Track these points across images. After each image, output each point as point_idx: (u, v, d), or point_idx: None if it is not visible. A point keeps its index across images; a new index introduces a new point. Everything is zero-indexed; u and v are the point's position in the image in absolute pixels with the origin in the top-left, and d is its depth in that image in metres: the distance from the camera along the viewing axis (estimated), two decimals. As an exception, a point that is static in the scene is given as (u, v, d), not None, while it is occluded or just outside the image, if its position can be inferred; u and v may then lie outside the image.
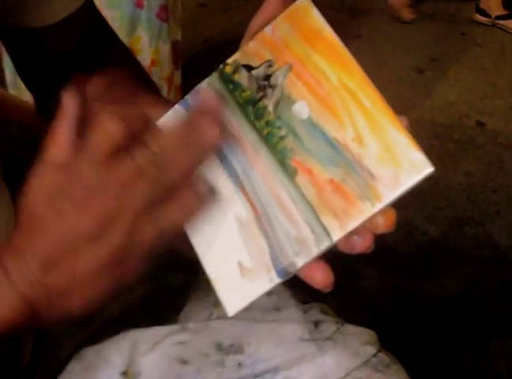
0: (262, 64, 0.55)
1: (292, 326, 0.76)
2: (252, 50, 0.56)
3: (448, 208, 2.05)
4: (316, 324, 0.77)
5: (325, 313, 0.79)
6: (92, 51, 0.79)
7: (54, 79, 0.79)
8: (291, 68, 0.54)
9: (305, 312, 0.78)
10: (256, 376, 0.74)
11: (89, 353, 0.79)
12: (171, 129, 0.53)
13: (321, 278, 0.51)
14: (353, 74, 0.51)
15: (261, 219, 0.53)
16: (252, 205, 0.53)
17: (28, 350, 0.80)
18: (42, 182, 0.53)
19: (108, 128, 0.52)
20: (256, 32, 0.56)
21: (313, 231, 0.50)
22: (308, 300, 0.81)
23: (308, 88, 0.53)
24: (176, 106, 0.58)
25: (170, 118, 0.58)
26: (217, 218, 0.55)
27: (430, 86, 2.54)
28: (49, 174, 0.53)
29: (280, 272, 0.51)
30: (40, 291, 0.52)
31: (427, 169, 0.47)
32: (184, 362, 0.76)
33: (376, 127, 0.50)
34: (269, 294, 0.78)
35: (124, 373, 0.77)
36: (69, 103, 0.56)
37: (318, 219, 0.50)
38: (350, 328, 0.77)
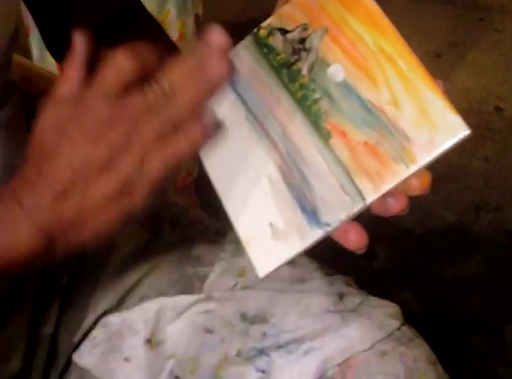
0: (297, 27, 0.55)
1: (317, 297, 0.76)
2: (287, 14, 0.56)
3: (465, 192, 2.04)
4: (341, 296, 0.77)
5: (349, 285, 0.79)
6: (120, 23, 0.79)
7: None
8: (326, 31, 0.54)
9: (330, 284, 0.78)
10: (280, 346, 0.74)
11: (114, 320, 0.80)
12: (181, 65, 0.54)
13: (355, 239, 0.51)
14: (390, 38, 0.51)
15: (294, 181, 0.53)
16: (285, 167, 0.53)
17: (52, 318, 0.80)
18: (52, 116, 0.55)
19: (120, 62, 0.54)
20: None
21: (346, 193, 0.50)
22: (333, 272, 0.81)
23: (343, 51, 0.53)
24: None
25: None
26: (249, 180, 0.55)
27: (448, 71, 2.52)
28: (59, 108, 0.55)
29: (313, 233, 0.51)
30: (54, 221, 0.53)
31: (463, 131, 0.47)
32: (208, 330, 0.77)
33: (412, 90, 0.49)
34: (295, 265, 0.79)
35: (148, 341, 0.77)
36: (79, 41, 0.58)
37: (351, 181, 0.50)
38: (374, 300, 0.77)
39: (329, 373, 0.71)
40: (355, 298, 0.77)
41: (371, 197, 0.49)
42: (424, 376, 0.71)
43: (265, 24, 0.57)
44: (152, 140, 0.52)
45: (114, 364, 0.78)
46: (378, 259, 1.78)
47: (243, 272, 0.80)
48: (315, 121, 0.53)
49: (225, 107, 0.57)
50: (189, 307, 0.78)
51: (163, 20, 1.88)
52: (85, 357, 0.79)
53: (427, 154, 0.48)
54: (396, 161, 0.49)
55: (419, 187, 0.50)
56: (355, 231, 0.51)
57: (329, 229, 0.51)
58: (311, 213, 0.51)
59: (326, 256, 0.77)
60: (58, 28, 0.81)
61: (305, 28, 0.55)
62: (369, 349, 0.71)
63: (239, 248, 0.80)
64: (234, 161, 0.56)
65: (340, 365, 0.71)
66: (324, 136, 0.52)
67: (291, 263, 0.54)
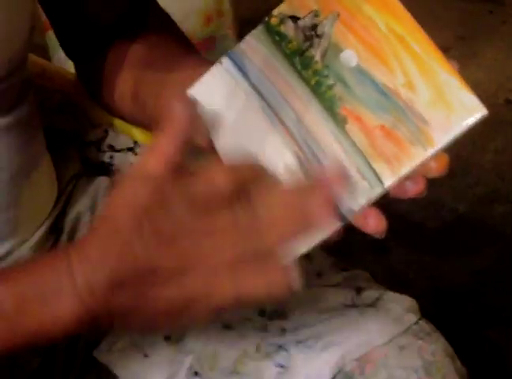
0: (308, 14, 0.55)
1: (335, 292, 0.77)
2: (297, 1, 0.56)
3: (477, 185, 2.04)
4: (358, 290, 0.77)
5: (366, 280, 0.79)
6: (133, 20, 0.80)
7: (95, 47, 0.80)
8: (338, 16, 0.54)
9: (347, 278, 0.79)
10: (299, 341, 0.74)
11: None
12: (282, 194, 0.51)
13: (374, 223, 0.50)
14: (402, 20, 0.51)
15: (311, 168, 0.52)
16: (301, 155, 0.53)
17: None
18: (132, 195, 0.50)
19: (218, 181, 0.49)
20: None
21: (365, 178, 0.50)
22: (348, 268, 0.81)
23: (356, 35, 0.53)
24: (217, 65, 0.58)
25: (214, 74, 0.58)
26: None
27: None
28: (141, 188, 0.50)
29: (333, 220, 0.51)
30: (103, 305, 0.50)
31: (480, 111, 0.47)
32: (227, 326, 0.77)
33: (426, 71, 0.49)
34: (311, 259, 0.79)
35: (168, 337, 0.78)
36: (181, 117, 0.52)
37: (369, 165, 0.50)
38: (392, 295, 0.77)
39: (348, 368, 0.72)
40: (372, 292, 0.77)
41: (390, 181, 0.49)
42: (442, 369, 0.71)
43: (275, 12, 0.57)
44: (228, 261, 0.49)
45: (133, 360, 0.78)
46: (390, 252, 1.78)
47: None
48: (330, 107, 0.53)
49: (240, 98, 0.57)
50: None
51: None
52: (105, 353, 0.80)
53: (444, 135, 0.48)
54: (413, 144, 0.49)
55: (436, 169, 0.50)
56: (374, 216, 0.50)
57: (349, 215, 0.50)
58: None
59: (338, 250, 0.77)
60: (72, 26, 0.82)
61: (316, 14, 0.55)
62: (387, 343, 0.72)
63: None
64: (250, 151, 0.56)
65: (358, 359, 0.72)
66: (340, 121, 0.52)
67: (308, 255, 0.53)
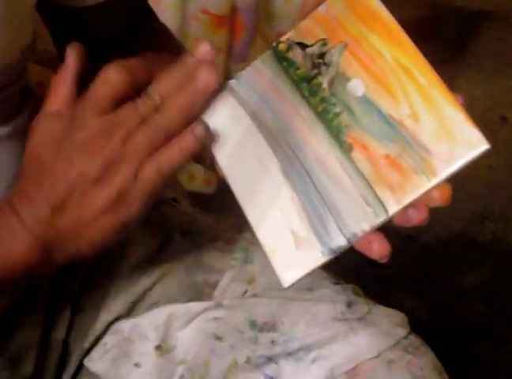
0: (317, 42, 0.57)
1: (325, 306, 0.77)
2: (306, 29, 0.57)
3: (469, 201, 2.04)
4: (349, 304, 0.78)
5: (357, 294, 0.80)
6: (132, 34, 0.81)
7: (94, 60, 0.80)
8: (346, 46, 0.55)
9: (338, 292, 0.79)
10: (289, 354, 0.74)
11: (124, 326, 0.81)
12: (170, 76, 0.57)
13: (378, 248, 0.52)
14: (408, 52, 0.52)
15: (315, 192, 0.54)
16: (306, 179, 0.54)
17: (64, 323, 0.81)
18: (46, 130, 0.57)
19: (110, 77, 0.56)
20: (309, 12, 0.57)
21: (369, 205, 0.51)
22: (340, 282, 0.81)
23: (363, 66, 0.54)
24: (230, 82, 0.60)
25: (221, 96, 0.59)
26: (271, 190, 0.56)
27: (452, 80, 2.52)
28: (52, 122, 0.58)
29: (337, 243, 0.52)
30: (51, 232, 0.56)
31: (483, 145, 0.49)
32: (218, 337, 0.77)
33: (431, 104, 0.51)
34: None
35: (159, 347, 0.78)
36: (71, 56, 0.61)
37: (374, 193, 0.51)
38: (381, 309, 0.78)
39: (337, 381, 0.72)
40: (362, 306, 0.78)
41: (393, 208, 0.51)
42: None
43: (284, 38, 0.58)
44: (144, 150, 0.55)
45: (124, 370, 0.79)
46: (382, 267, 1.78)
47: (253, 280, 0.81)
48: (337, 135, 0.54)
49: (244, 122, 0.58)
50: (199, 314, 0.79)
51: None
52: (96, 362, 0.80)
53: (447, 166, 0.49)
54: (417, 173, 0.50)
55: (439, 199, 0.51)
56: (378, 241, 0.52)
57: (352, 240, 0.52)
58: (334, 224, 0.53)
59: (331, 264, 0.78)
60: (72, 39, 0.82)
61: (324, 43, 0.56)
62: (376, 357, 0.72)
63: (249, 256, 0.82)
64: (255, 172, 0.57)
65: (347, 373, 0.72)
66: (345, 149, 0.53)
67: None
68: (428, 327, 0.76)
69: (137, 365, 0.79)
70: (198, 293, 0.82)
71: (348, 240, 0.52)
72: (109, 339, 0.81)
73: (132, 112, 0.56)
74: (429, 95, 0.51)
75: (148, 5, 0.84)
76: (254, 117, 0.58)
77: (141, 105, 0.56)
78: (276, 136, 0.56)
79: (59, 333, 0.81)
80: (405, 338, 0.75)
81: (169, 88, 0.57)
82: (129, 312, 0.82)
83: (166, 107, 0.56)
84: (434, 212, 1.54)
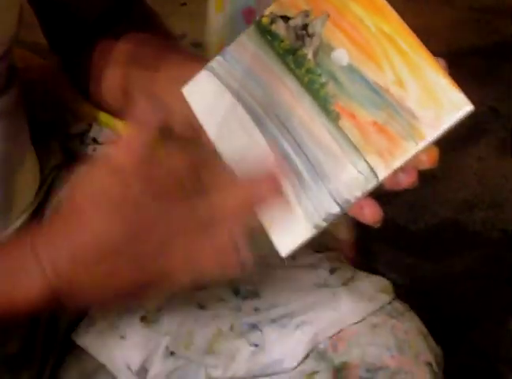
0: (299, 14, 0.57)
1: (308, 272, 0.78)
2: (287, 2, 0.58)
3: (459, 191, 2.05)
4: (332, 270, 0.78)
5: (340, 260, 0.80)
6: (118, 15, 0.81)
7: (81, 41, 0.81)
8: (328, 16, 0.56)
9: (320, 259, 0.80)
10: (272, 321, 0.75)
11: None
12: (235, 183, 0.55)
13: (370, 213, 0.53)
14: (390, 20, 0.53)
15: (306, 163, 0.54)
16: (297, 150, 0.55)
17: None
18: (97, 182, 0.54)
19: (176, 166, 0.54)
20: None
21: (360, 171, 0.52)
22: (323, 250, 0.82)
23: (346, 35, 0.55)
24: (209, 66, 0.60)
25: (205, 75, 0.60)
26: (262, 163, 0.57)
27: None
28: (107, 176, 0.53)
29: (331, 210, 0.53)
30: (65, 282, 0.54)
31: (467, 107, 0.49)
32: (202, 306, 0.78)
33: (415, 70, 0.51)
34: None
35: (144, 318, 0.78)
36: (151, 114, 0.55)
37: (363, 159, 0.52)
38: (365, 275, 0.79)
39: (321, 346, 0.73)
40: (345, 272, 0.78)
41: (383, 173, 0.51)
42: (415, 347, 0.72)
43: (266, 12, 0.59)
44: (185, 249, 0.53)
45: (110, 342, 0.79)
46: (373, 255, 1.79)
47: None
48: (324, 105, 0.54)
49: (228, 99, 0.59)
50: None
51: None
52: (83, 336, 0.80)
53: (434, 130, 0.50)
54: (405, 138, 0.51)
55: (428, 161, 0.52)
56: (369, 206, 0.53)
57: (345, 206, 0.52)
58: (327, 192, 0.53)
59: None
60: (56, 19, 0.84)
61: (306, 14, 0.57)
62: (359, 321, 0.73)
63: None
64: (243, 147, 0.58)
65: (331, 337, 0.73)
66: (333, 118, 0.54)
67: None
68: (419, 314, 0.77)
69: (122, 337, 0.78)
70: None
71: (341, 207, 0.53)
72: (95, 312, 0.81)
73: (188, 210, 0.53)
74: (412, 61, 0.51)
75: None
76: (240, 92, 0.58)
77: (200, 204, 0.54)
78: (264, 109, 0.57)
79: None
80: (389, 304, 0.76)
81: (230, 195, 0.55)
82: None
83: (220, 220, 0.54)
84: (424, 200, 1.55)
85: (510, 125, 2.31)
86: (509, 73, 2.40)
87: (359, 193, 0.52)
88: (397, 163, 0.51)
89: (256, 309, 0.76)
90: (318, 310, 0.74)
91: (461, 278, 1.80)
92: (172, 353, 0.77)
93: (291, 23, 0.57)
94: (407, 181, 0.53)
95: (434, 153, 0.52)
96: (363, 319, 0.73)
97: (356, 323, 0.73)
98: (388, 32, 0.53)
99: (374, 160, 0.52)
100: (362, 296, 0.75)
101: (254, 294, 0.77)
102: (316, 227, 0.54)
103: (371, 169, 0.52)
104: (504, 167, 2.15)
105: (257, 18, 0.59)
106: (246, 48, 0.59)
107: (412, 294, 1.69)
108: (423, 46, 0.52)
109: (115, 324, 0.79)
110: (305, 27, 0.56)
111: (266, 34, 0.58)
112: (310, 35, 0.56)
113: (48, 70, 0.97)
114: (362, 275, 0.78)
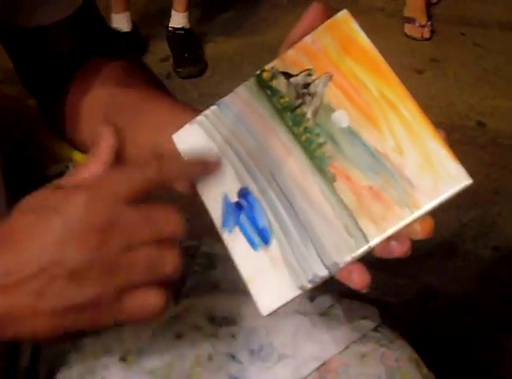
0: (301, 72, 0.57)
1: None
2: (291, 59, 0.57)
3: (449, 208, 2.02)
4: (312, 298, 0.76)
5: (321, 288, 0.78)
6: (93, 51, 0.79)
7: (56, 80, 0.79)
8: (331, 77, 0.55)
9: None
10: (251, 352, 0.73)
11: (88, 342, 0.77)
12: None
13: (358, 278, 0.51)
14: (393, 86, 0.53)
15: (298, 222, 0.53)
16: (289, 209, 0.54)
17: (27, 351, 0.78)
18: (38, 193, 0.53)
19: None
20: (294, 42, 0.57)
21: (351, 235, 0.51)
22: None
23: (348, 97, 0.54)
24: (203, 114, 0.59)
25: (189, 134, 0.60)
26: None
27: (430, 87, 2.52)
28: (48, 189, 0.53)
29: (318, 273, 0.52)
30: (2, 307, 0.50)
31: (466, 181, 0.49)
32: (179, 336, 0.75)
33: (415, 138, 0.51)
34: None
35: (123, 359, 0.75)
36: (110, 138, 0.57)
37: (355, 223, 0.52)
38: (346, 303, 0.77)
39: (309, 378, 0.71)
40: (326, 300, 0.76)
41: (375, 239, 0.50)
42: (407, 375, 0.71)
43: (268, 66, 0.58)
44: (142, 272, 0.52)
45: None
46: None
47: (217, 285, 0.81)
48: (319, 165, 0.54)
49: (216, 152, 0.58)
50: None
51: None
52: None
53: (430, 200, 0.49)
54: (400, 205, 0.50)
55: (421, 231, 0.51)
56: (358, 271, 0.51)
57: (333, 270, 0.51)
58: (315, 253, 0.52)
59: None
60: (32, 63, 0.81)
61: (309, 73, 0.56)
62: (346, 351, 0.71)
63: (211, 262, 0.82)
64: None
65: (319, 369, 0.71)
66: (328, 179, 0.53)
67: None
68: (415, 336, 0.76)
69: None
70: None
71: (329, 270, 0.51)
72: (73, 358, 0.77)
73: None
74: (413, 130, 0.51)
75: (113, 30, 0.82)
76: (231, 142, 0.58)
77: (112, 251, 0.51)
78: (257, 162, 0.56)
79: (24, 361, 0.78)
80: (376, 330, 0.74)
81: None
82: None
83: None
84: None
85: (498, 139, 2.31)
86: None
87: (348, 258, 0.51)
88: (390, 229, 0.50)
89: (233, 336, 0.74)
90: (298, 342, 0.72)
91: (452, 295, 1.79)
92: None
93: (293, 80, 0.57)
94: (399, 250, 0.51)
95: (429, 224, 0.50)
96: (347, 347, 0.71)
97: (343, 353, 0.71)
98: (390, 98, 0.52)
99: (366, 225, 0.51)
100: (342, 325, 0.73)
101: (230, 321, 0.75)
102: (301, 288, 0.52)
103: (363, 233, 0.51)
104: (494, 182, 2.14)
105: (259, 72, 0.58)
106: (244, 100, 0.58)
107: (402, 315, 1.70)
108: (425, 115, 0.51)
109: (94, 367, 0.75)
110: (307, 85, 0.56)
111: (266, 88, 0.58)
112: (311, 94, 0.55)
113: (25, 111, 0.95)
114: (344, 301, 0.76)
